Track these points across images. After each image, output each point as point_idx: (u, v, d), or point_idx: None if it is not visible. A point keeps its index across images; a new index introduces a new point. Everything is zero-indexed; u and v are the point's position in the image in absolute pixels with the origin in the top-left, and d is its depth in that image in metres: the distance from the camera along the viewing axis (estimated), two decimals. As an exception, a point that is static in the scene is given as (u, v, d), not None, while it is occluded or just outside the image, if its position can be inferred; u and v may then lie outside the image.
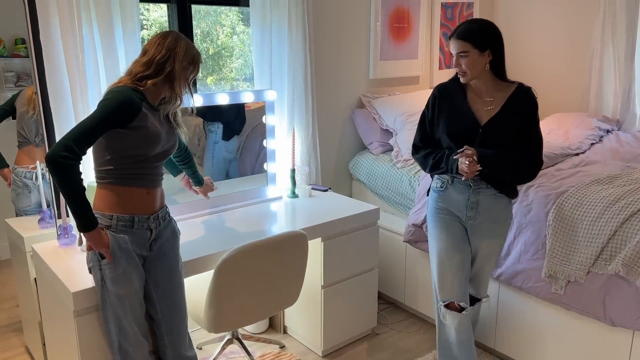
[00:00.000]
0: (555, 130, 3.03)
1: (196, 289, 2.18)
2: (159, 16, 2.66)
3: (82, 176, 1.56)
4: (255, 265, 2.00)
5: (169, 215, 1.87)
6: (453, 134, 1.99)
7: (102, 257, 1.65)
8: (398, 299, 2.99)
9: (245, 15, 2.83)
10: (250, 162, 2.67)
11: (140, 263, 1.73)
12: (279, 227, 2.37)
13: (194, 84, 1.91)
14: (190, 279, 2.08)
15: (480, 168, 1.86)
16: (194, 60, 1.75)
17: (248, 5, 2.61)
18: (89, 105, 2.13)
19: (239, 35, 3.02)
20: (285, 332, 2.77)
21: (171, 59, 1.69)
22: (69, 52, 2.04)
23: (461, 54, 1.89)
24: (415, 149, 2.14)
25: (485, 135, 1.94)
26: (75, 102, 2.09)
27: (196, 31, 2.83)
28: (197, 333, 2.66)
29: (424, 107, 3.15)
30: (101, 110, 1.58)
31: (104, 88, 2.18)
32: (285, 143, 2.77)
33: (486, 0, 3.86)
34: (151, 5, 2.64)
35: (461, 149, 1.88)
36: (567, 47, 3.51)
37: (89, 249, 1.67)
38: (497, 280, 2.42)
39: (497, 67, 1.94)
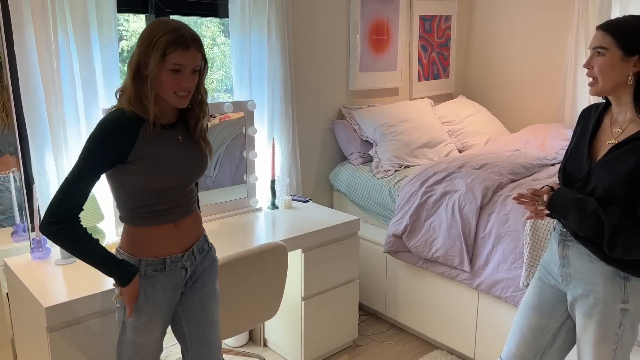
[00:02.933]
0: (531, 141, 3.08)
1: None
2: (139, 27, 2.64)
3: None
4: (234, 278, 1.98)
5: (208, 244, 1.64)
6: (563, 171, 1.57)
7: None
8: (379, 309, 2.99)
9: (226, 27, 2.82)
10: (229, 172, 2.65)
11: (170, 308, 1.56)
12: (259, 238, 2.35)
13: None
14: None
15: (543, 211, 1.48)
16: (155, 42, 1.31)
17: (227, 16, 2.61)
18: (64, 117, 2.09)
19: (220, 46, 3.02)
20: (265, 345, 2.74)
21: (134, 56, 1.36)
22: (44, 63, 2.00)
23: (597, 50, 1.42)
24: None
25: (589, 177, 1.45)
26: (50, 113, 2.05)
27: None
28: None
29: (402, 118, 3.20)
30: (84, 154, 1.35)
31: (80, 99, 2.15)
32: (266, 154, 2.76)
33: (464, 13, 3.92)
34: (131, 16, 2.61)
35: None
36: (543, 59, 3.58)
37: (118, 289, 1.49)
38: (476, 289, 2.43)
39: None
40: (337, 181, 3.21)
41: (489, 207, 2.41)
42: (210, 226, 2.44)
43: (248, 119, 2.60)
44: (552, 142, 3.02)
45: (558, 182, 1.64)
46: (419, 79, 3.71)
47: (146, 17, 2.51)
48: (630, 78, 1.40)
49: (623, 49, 1.38)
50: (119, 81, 2.25)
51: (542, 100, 3.59)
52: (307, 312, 2.44)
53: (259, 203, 2.69)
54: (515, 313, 2.29)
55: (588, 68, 1.44)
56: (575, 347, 1.60)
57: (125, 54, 2.64)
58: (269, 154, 2.69)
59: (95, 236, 2.06)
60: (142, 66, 1.36)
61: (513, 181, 2.56)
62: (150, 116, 1.38)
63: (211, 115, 2.49)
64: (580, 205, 1.42)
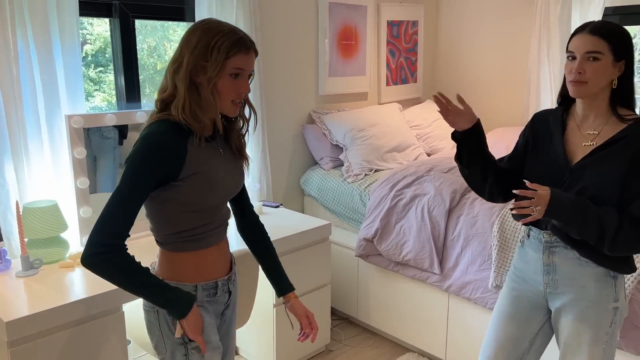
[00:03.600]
0: (497, 144, 3.13)
1: (141, 312, 2.09)
2: (104, 30, 2.58)
3: None
4: (204, 286, 1.94)
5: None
6: (534, 175, 1.54)
7: (188, 339, 1.33)
8: (351, 314, 2.99)
9: (193, 31, 2.79)
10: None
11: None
12: (229, 245, 2.32)
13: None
14: (135, 302, 1.99)
15: (535, 213, 1.38)
16: (214, 45, 1.22)
17: (194, 21, 2.58)
18: (24, 124, 2.02)
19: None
20: (237, 353, 2.71)
21: (184, 61, 1.24)
22: (2, 68, 1.93)
23: (591, 55, 1.40)
24: (498, 161, 1.69)
25: (573, 179, 1.45)
26: (9, 121, 1.98)
27: (143, 46, 2.76)
28: (144, 358, 2.55)
29: (372, 122, 3.22)
30: (131, 172, 1.20)
31: (41, 105, 2.08)
32: (235, 160, 2.73)
33: (430, 19, 3.98)
34: (95, 20, 2.55)
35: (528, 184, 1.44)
36: (507, 63, 3.67)
37: (182, 334, 1.32)
38: (446, 291, 2.46)
39: (624, 90, 1.45)
40: (308, 186, 3.20)
41: (457, 209, 2.45)
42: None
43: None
44: (517, 145, 3.09)
45: (501, 160, 1.66)
46: (387, 84, 3.74)
47: (110, 21, 2.46)
48: (614, 82, 1.43)
49: (614, 54, 1.41)
50: (82, 86, 2.19)
51: (507, 104, 3.67)
52: (279, 318, 2.42)
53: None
54: (485, 315, 2.33)
55: (580, 72, 1.42)
56: (554, 348, 1.61)
57: (89, 58, 2.57)
58: (239, 160, 2.66)
59: (59, 247, 2.03)
60: (193, 72, 1.25)
61: (480, 184, 2.60)
62: (203, 128, 1.27)
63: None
64: (581, 208, 1.39)
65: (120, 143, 2.32)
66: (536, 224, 1.54)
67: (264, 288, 2.36)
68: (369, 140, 3.11)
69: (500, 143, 3.16)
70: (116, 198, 1.21)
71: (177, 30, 2.95)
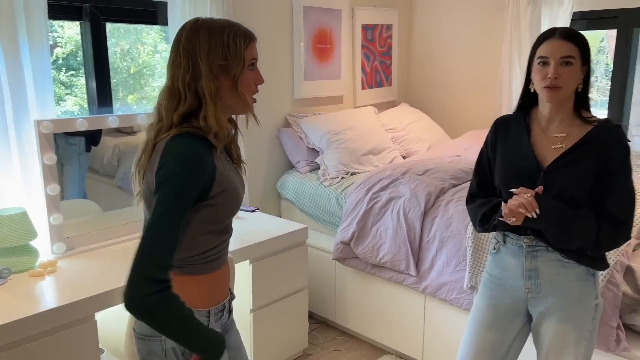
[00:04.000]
0: (471, 147, 3.18)
1: (114, 320, 2.05)
2: (75, 33, 2.53)
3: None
4: (179, 292, 1.92)
5: None
6: (507, 179, 1.55)
7: None
8: (329, 317, 2.99)
9: (167, 34, 2.76)
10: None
11: None
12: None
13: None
14: (106, 312, 1.95)
15: (529, 215, 1.41)
16: (228, 41, 1.16)
17: (167, 24, 2.55)
18: (-9, 129, 1.97)
19: (161, 53, 2.95)
20: (214, 359, 2.67)
21: (200, 68, 1.15)
22: (-33, 72, 1.88)
23: (565, 60, 1.43)
24: (471, 197, 1.67)
25: (548, 182, 1.47)
26: (-25, 125, 1.93)
27: (116, 49, 2.72)
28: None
29: (348, 126, 3.23)
30: (173, 195, 1.08)
31: (8, 110, 2.03)
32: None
33: (404, 23, 4.02)
34: (66, 22, 2.51)
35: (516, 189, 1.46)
36: (480, 67, 3.73)
37: None
38: (422, 293, 2.47)
39: (585, 93, 1.50)
40: (284, 190, 3.19)
41: (433, 211, 2.47)
42: (154, 240, 2.37)
43: (191, 128, 2.54)
44: (490, 147, 3.14)
45: (475, 193, 1.66)
46: (363, 87, 3.76)
47: (80, 24, 2.41)
48: (580, 85, 1.48)
49: (582, 59, 1.45)
50: (52, 90, 2.14)
51: (480, 107, 3.73)
52: (257, 323, 2.41)
53: (205, 214, 2.64)
54: (461, 315, 2.35)
55: (556, 77, 1.43)
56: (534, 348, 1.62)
57: (60, 61, 2.52)
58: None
59: (28, 255, 1.98)
60: (213, 77, 1.17)
61: (454, 186, 2.63)
62: (226, 136, 1.20)
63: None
64: (565, 214, 1.42)
65: (88, 149, 2.27)
66: (514, 230, 1.54)
67: (241, 294, 2.35)
68: (345, 143, 3.12)
69: (475, 146, 3.21)
70: (161, 225, 1.06)
71: (150, 33, 2.92)
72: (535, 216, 1.41)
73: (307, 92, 3.35)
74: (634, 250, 2.08)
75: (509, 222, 1.46)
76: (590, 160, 1.45)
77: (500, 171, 1.58)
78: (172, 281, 1.08)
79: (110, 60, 2.53)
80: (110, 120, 2.21)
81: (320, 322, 3.06)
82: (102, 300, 1.82)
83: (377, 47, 3.81)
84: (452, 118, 3.88)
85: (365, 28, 3.69)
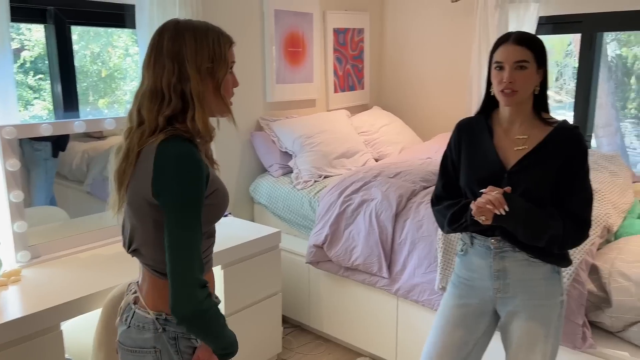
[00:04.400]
0: (442, 149, 3.21)
1: (82, 330, 2.01)
2: (42, 37, 2.48)
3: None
4: (148, 300, 1.89)
5: None
6: (472, 181, 1.58)
7: None
8: (303, 321, 2.98)
9: (138, 37, 2.72)
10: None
11: None
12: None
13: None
14: (73, 321, 1.91)
15: (498, 212, 1.43)
16: (213, 43, 1.17)
17: (135, 27, 2.52)
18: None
19: (133, 56, 2.91)
20: (187, 366, 2.64)
21: (186, 71, 1.15)
22: None
23: (519, 64, 1.46)
24: (437, 199, 1.69)
25: (512, 183, 1.50)
26: None
27: (86, 52, 2.67)
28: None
29: (320, 129, 3.24)
30: (191, 203, 1.09)
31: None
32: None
33: (376, 27, 4.06)
34: (33, 25, 2.45)
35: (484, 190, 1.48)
36: (450, 71, 3.78)
37: None
38: (395, 295, 2.49)
39: (543, 95, 1.54)
40: (257, 194, 3.18)
41: (404, 213, 2.49)
42: (118, 248, 2.32)
43: (161, 133, 2.51)
44: (460, 149, 3.19)
45: (441, 195, 1.68)
46: (335, 91, 3.77)
47: (45, 27, 2.36)
48: (537, 88, 1.51)
49: (537, 62, 1.48)
50: (15, 95, 2.09)
51: (451, 109, 3.78)
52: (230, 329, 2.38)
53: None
54: (433, 316, 2.37)
55: (511, 82, 1.46)
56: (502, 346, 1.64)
57: (28, 64, 2.47)
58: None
59: (-9, 264, 1.92)
60: (202, 80, 1.17)
61: (425, 188, 2.66)
62: (211, 137, 1.21)
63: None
64: (532, 213, 1.45)
65: (56, 155, 2.22)
66: (482, 231, 1.57)
67: (213, 299, 2.33)
68: (318, 146, 3.13)
69: (444, 148, 3.25)
70: (191, 232, 1.08)
71: (121, 37, 2.87)
72: (504, 213, 1.43)
73: (279, 95, 3.34)
74: (598, 249, 2.13)
75: (479, 220, 1.48)
76: (552, 160, 1.49)
77: (465, 173, 1.61)
78: (164, 288, 1.10)
79: (80, 63, 2.48)
80: (77, 125, 2.17)
81: (294, 327, 3.05)
82: (68, 310, 1.78)
83: (349, 51, 3.83)
84: (423, 121, 3.92)
85: (337, 32, 3.71)
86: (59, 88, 2.39)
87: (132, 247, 1.25)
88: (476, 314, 1.63)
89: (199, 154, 1.16)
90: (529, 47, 1.47)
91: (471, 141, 1.62)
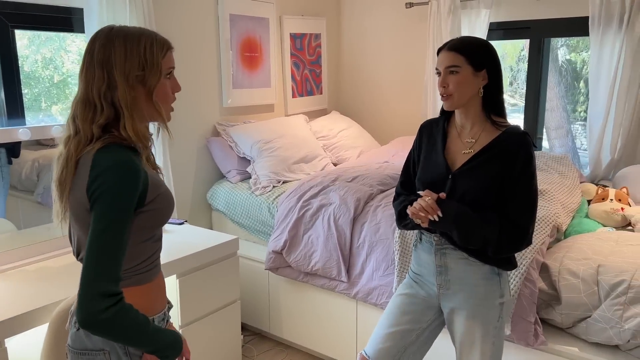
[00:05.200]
0: (399, 153, 3.26)
1: (28, 346, 1.92)
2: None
3: None
4: (99, 312, 1.83)
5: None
6: (421, 182, 1.63)
7: None
8: (263, 328, 2.95)
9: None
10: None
11: None
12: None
13: None
14: (19, 337, 1.83)
15: (431, 218, 1.48)
16: (145, 50, 1.15)
17: (84, 32, 2.44)
18: None
19: (88, 62, 2.82)
20: (143, 379, 2.57)
21: (115, 79, 1.13)
22: None
23: (450, 69, 1.52)
24: (396, 195, 1.75)
25: (455, 185, 1.54)
26: None
27: (36, 57, 2.57)
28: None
29: (279, 134, 3.22)
30: (115, 208, 1.07)
31: None
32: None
33: (332, 32, 4.08)
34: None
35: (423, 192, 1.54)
36: (406, 77, 3.84)
37: None
38: (354, 298, 2.50)
39: (492, 98, 1.55)
40: (215, 200, 3.13)
41: (362, 217, 2.50)
42: (70, 258, 2.25)
43: (112, 140, 2.44)
44: (417, 152, 3.24)
45: (399, 192, 1.75)
46: (294, 96, 3.77)
47: (-14, 31, 2.26)
48: (480, 90, 1.54)
49: (473, 65, 1.52)
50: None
51: (407, 114, 3.84)
52: (186, 339, 2.33)
53: (129, 229, 2.53)
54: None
55: (444, 86, 1.53)
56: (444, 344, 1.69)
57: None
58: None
59: None
60: (130, 88, 1.15)
61: (382, 191, 2.68)
62: (149, 144, 1.21)
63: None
64: (464, 218, 1.48)
65: (9, 162, 2.13)
66: (426, 228, 1.61)
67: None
68: (276, 151, 3.11)
69: (401, 152, 3.29)
70: (106, 238, 1.06)
71: (74, 41, 2.78)
72: (437, 219, 1.49)
73: (236, 100, 3.31)
74: (548, 248, 2.20)
75: (417, 222, 1.54)
76: (494, 165, 1.51)
77: (419, 173, 1.67)
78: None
79: (31, 69, 2.39)
80: (21, 133, 2.08)
81: (254, 334, 3.01)
82: (12, 325, 1.70)
83: (307, 56, 3.84)
84: (381, 125, 3.97)
85: (293, 37, 3.71)
86: (2, 94, 2.30)
87: (80, 254, 1.24)
88: (423, 306, 1.67)
89: (137, 161, 1.14)
90: (461, 52, 1.52)
91: (428, 142, 1.67)
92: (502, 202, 1.51)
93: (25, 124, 2.34)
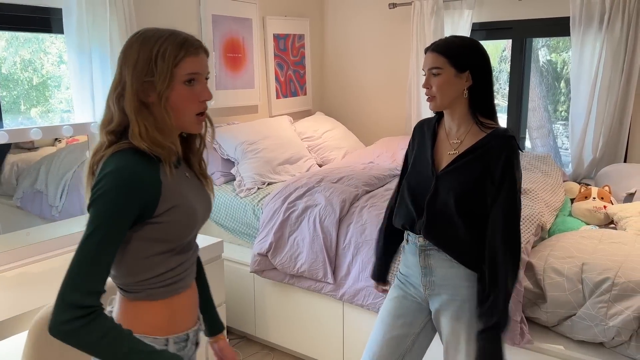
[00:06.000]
0: (383, 154, 3.26)
1: (9, 354, 1.87)
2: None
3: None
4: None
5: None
6: (408, 182, 1.64)
7: None
8: (249, 332, 2.92)
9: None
10: (79, 201, 2.41)
11: None
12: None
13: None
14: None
15: None
16: (157, 55, 1.09)
17: (63, 32, 2.39)
18: None
19: (67, 63, 2.77)
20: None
21: (127, 82, 1.09)
22: None
23: (433, 71, 1.52)
24: (390, 200, 1.81)
25: (439, 186, 1.54)
26: None
27: (15, 59, 2.52)
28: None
29: (263, 135, 3.20)
30: (104, 216, 1.02)
31: None
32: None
33: (316, 33, 4.07)
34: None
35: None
36: (390, 78, 3.84)
37: None
38: (340, 300, 2.48)
39: (480, 99, 1.53)
40: (198, 203, 3.09)
41: (347, 218, 2.49)
42: (53, 263, 2.19)
43: (92, 142, 2.39)
44: (401, 153, 3.23)
45: (394, 193, 1.77)
46: (278, 97, 3.75)
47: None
48: (464, 92, 1.52)
49: (455, 67, 1.50)
50: None
51: (391, 115, 3.84)
52: (171, 344, 2.30)
53: (111, 233, 2.49)
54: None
55: (427, 88, 1.54)
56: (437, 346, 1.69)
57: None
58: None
59: None
60: (141, 92, 1.09)
61: (368, 192, 2.68)
62: (169, 153, 1.11)
63: (57, 139, 2.26)
64: (498, 309, 1.47)
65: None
66: (411, 229, 1.62)
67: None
68: (261, 153, 3.09)
69: (386, 153, 3.29)
70: (88, 248, 1.01)
71: (54, 42, 2.73)
72: None
73: (220, 101, 3.28)
74: (533, 247, 2.21)
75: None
76: (476, 166, 1.50)
77: (407, 174, 1.68)
78: (135, 307, 1.09)
79: (10, 71, 2.33)
80: (-2, 136, 2.03)
81: (240, 337, 2.99)
82: None
83: (290, 57, 3.82)
84: (366, 126, 3.96)
85: (277, 37, 3.69)
86: (-23, 96, 2.24)
87: None
88: (414, 309, 1.67)
89: (145, 169, 1.08)
90: (443, 54, 1.51)
91: (420, 142, 1.68)
92: (484, 205, 1.50)
93: (2, 127, 2.28)
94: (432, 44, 1.56)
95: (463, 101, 1.55)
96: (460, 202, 1.50)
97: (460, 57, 1.51)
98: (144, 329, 1.14)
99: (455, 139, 1.58)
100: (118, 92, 1.11)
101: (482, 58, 1.54)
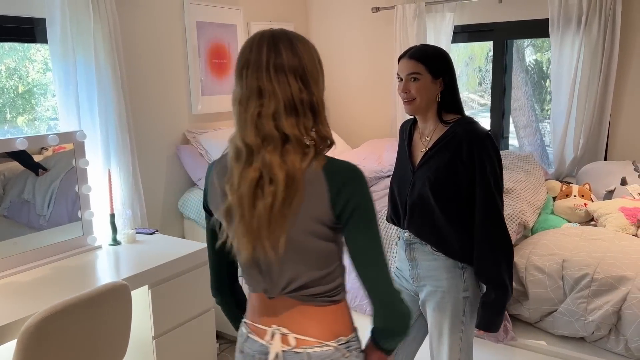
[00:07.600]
0: (370, 156, 3.30)
1: (-3, 364, 1.88)
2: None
3: None
4: (69, 327, 1.79)
5: None
6: (395, 181, 1.77)
7: None
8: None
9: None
10: (66, 209, 2.42)
11: None
12: (100, 279, 2.18)
13: None
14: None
15: None
16: (318, 54, 1.18)
17: (47, 42, 2.40)
18: None
19: (53, 73, 2.78)
20: (117, 393, 2.53)
21: (305, 82, 1.13)
22: None
23: (412, 77, 1.62)
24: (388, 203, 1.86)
25: (415, 181, 1.66)
26: None
27: (0, 68, 2.52)
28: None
29: (249, 140, 3.21)
30: (376, 220, 1.15)
31: None
32: (102, 187, 2.58)
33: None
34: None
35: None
36: (375, 81, 3.88)
37: None
38: (329, 302, 2.51)
39: (448, 101, 1.66)
40: (186, 209, 3.11)
41: (334, 221, 2.52)
42: (40, 272, 2.20)
43: (78, 150, 2.40)
44: (387, 155, 3.27)
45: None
46: (264, 101, 3.76)
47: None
48: (437, 96, 1.64)
49: (432, 74, 1.62)
50: None
51: (377, 118, 3.88)
52: (160, 351, 2.31)
53: (98, 240, 2.49)
54: (364, 320, 2.41)
55: (406, 92, 1.63)
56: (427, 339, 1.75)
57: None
58: (106, 187, 2.52)
59: None
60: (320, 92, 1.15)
61: (354, 195, 2.70)
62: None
63: (43, 148, 2.27)
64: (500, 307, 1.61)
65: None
66: (399, 224, 1.73)
67: (141, 321, 2.25)
68: (247, 158, 3.10)
69: (372, 154, 3.33)
70: (380, 249, 1.13)
71: (39, 50, 2.73)
72: None
73: (205, 107, 3.30)
74: (515, 245, 2.25)
75: None
76: (444, 154, 1.61)
77: (392, 174, 1.82)
78: (333, 312, 1.19)
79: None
80: (-18, 146, 2.04)
81: (230, 342, 3.00)
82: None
83: (276, 61, 3.84)
84: (351, 128, 4.00)
85: (262, 42, 3.70)
86: (-39, 107, 2.24)
87: (290, 286, 1.17)
88: (409, 301, 1.71)
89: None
90: (422, 61, 1.62)
91: (400, 144, 1.82)
92: (460, 189, 1.59)
93: (-13, 137, 2.29)
94: (407, 51, 1.67)
95: (434, 104, 1.66)
96: (435, 188, 1.60)
97: (436, 64, 1.63)
98: (352, 326, 1.26)
99: (427, 137, 1.70)
100: (306, 94, 1.15)
101: (451, 66, 1.67)
